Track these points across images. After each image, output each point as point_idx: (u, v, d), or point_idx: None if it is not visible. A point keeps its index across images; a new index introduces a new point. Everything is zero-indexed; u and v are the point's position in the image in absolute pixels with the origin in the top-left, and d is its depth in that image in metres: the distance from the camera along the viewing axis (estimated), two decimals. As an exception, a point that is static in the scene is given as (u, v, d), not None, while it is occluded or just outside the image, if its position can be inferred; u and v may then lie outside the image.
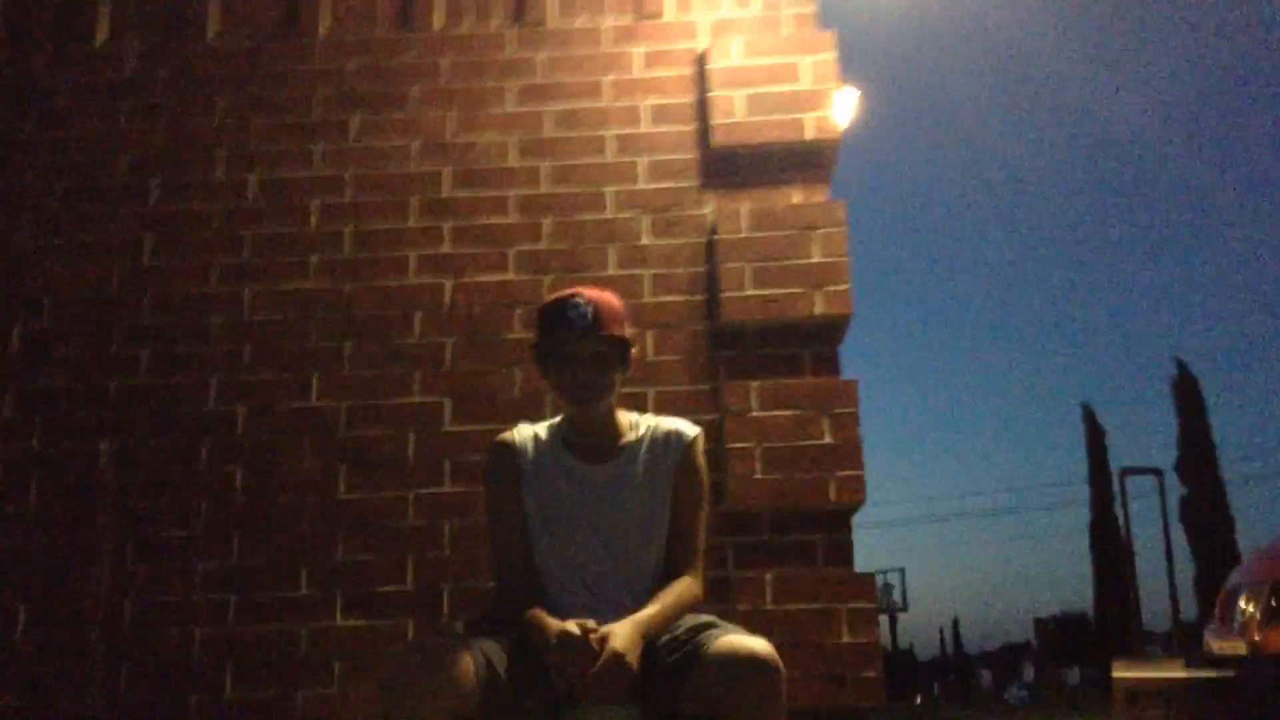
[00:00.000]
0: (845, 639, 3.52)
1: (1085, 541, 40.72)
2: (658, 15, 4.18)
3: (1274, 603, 5.99)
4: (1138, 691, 4.73)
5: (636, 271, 3.91)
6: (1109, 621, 36.87)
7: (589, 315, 2.35)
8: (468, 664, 2.06)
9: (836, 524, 3.65)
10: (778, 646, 2.12)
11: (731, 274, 3.82)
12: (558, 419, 2.57)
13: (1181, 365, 37.89)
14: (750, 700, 2.02)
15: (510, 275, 3.95)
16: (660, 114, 4.08)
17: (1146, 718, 4.61)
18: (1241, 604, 6.30)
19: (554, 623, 2.17)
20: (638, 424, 2.53)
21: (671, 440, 2.47)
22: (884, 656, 3.67)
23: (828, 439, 3.67)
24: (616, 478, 2.43)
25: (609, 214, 3.99)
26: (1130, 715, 4.74)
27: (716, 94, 4.00)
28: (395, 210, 4.03)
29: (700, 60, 4.09)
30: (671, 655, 2.14)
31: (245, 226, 4.04)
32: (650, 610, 2.22)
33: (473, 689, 2.05)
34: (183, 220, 4.06)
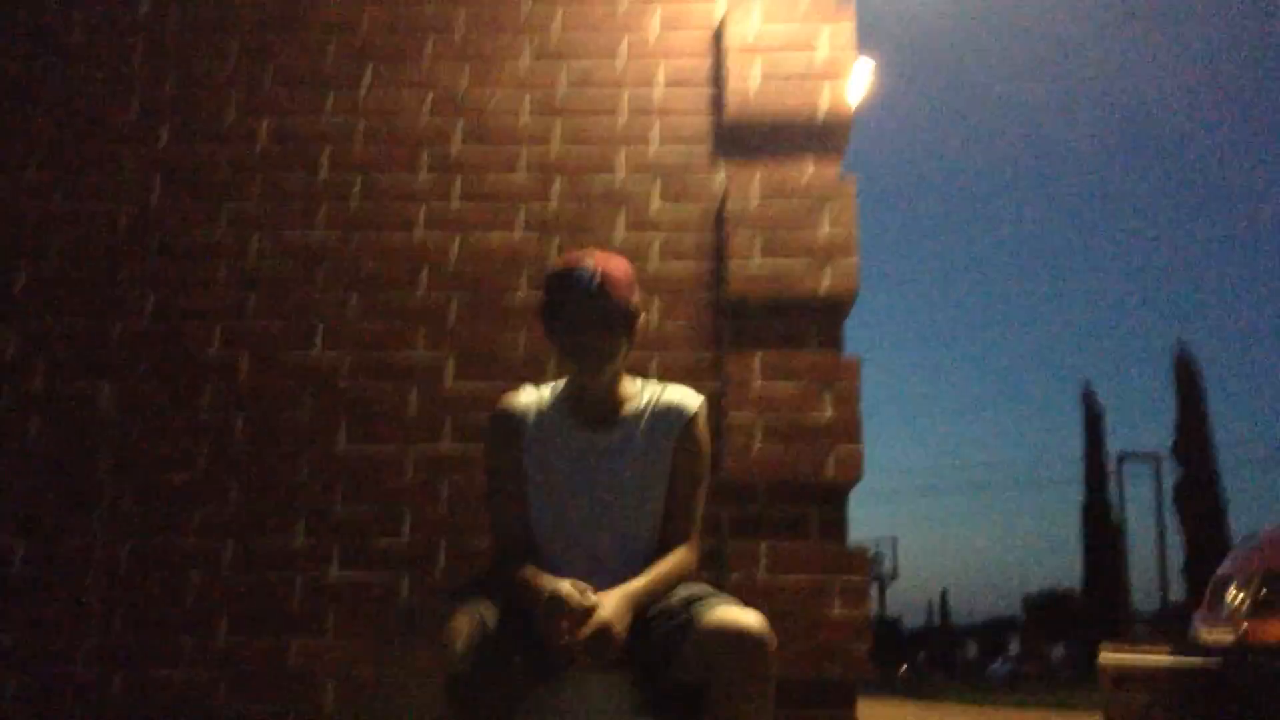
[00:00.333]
0: (836, 613, 3.54)
1: (1077, 520, 40.93)
2: (677, -22, 4.14)
3: (1263, 593, 6.02)
4: (1124, 675, 4.75)
5: (645, 237, 3.90)
6: (1097, 601, 37.13)
7: (597, 280, 2.34)
8: (462, 621, 2.08)
9: (832, 499, 3.67)
10: (769, 618, 2.14)
11: (740, 244, 3.80)
12: (562, 382, 2.56)
13: (1184, 347, 37.93)
14: (741, 672, 2.04)
15: (518, 235, 3.93)
16: (675, 78, 4.04)
17: (1132, 703, 4.63)
18: (1231, 593, 6.33)
19: (547, 582, 2.18)
20: (641, 392, 2.52)
21: (674, 411, 2.47)
22: (872, 627, 3.70)
23: (828, 414, 3.68)
24: (617, 445, 2.43)
25: (620, 178, 3.97)
26: (1116, 699, 4.76)
27: (732, 60, 3.96)
28: (405, 165, 4.00)
29: (718, 25, 4.05)
30: (664, 625, 2.15)
31: (254, 174, 4.01)
32: (642, 580, 2.23)
33: (465, 646, 2.06)
34: (191, 166, 4.04)
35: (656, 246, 3.89)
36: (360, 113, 4.06)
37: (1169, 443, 35.79)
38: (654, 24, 4.10)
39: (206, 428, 3.80)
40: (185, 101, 4.10)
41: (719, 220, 3.88)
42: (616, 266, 2.41)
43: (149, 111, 4.09)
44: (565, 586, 2.14)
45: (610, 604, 2.13)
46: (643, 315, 2.51)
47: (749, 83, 3.94)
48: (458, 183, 3.98)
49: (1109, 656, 4.95)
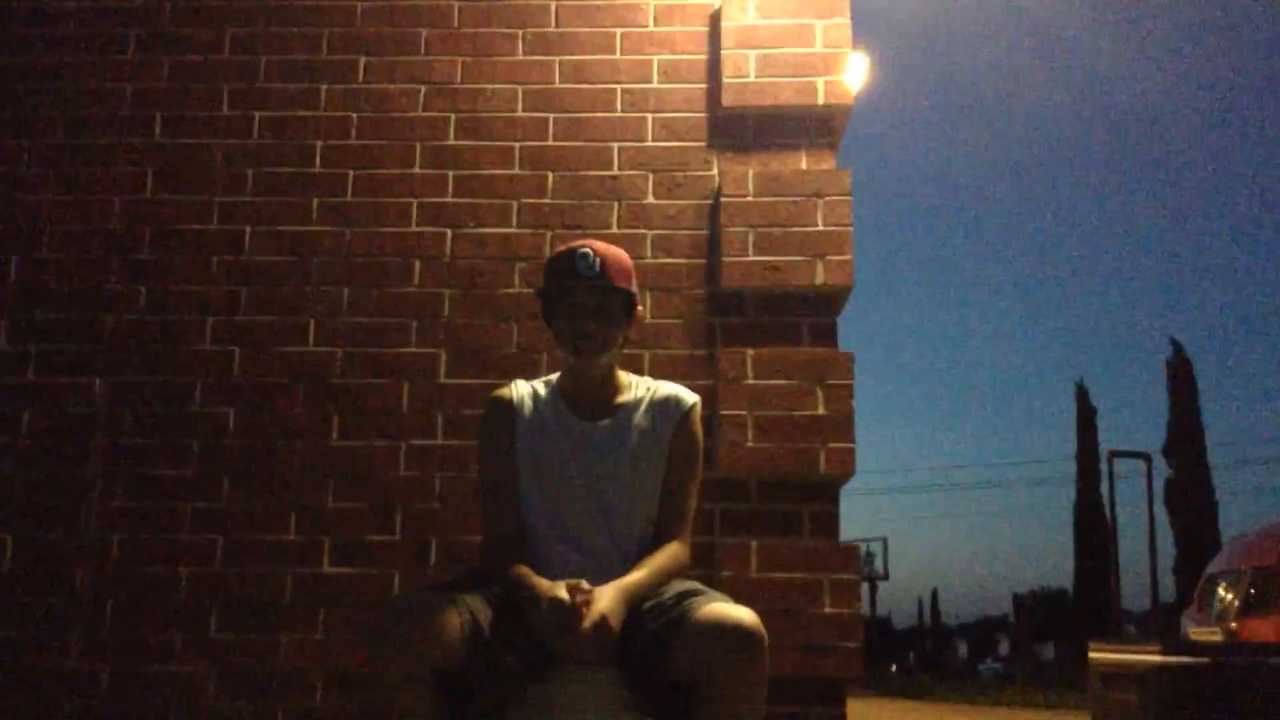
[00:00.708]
0: (827, 609, 3.54)
1: (1068, 519, 40.99)
2: (672, -29, 4.13)
3: (1252, 592, 6.04)
4: (1113, 674, 4.76)
5: (638, 231, 3.89)
6: (1088, 600, 37.21)
7: (597, 266, 2.35)
8: (453, 618, 2.07)
9: (824, 495, 3.66)
10: (760, 615, 2.13)
11: (734, 238, 3.80)
12: (555, 376, 2.56)
13: (1177, 346, 37.98)
14: (733, 669, 2.03)
15: (512, 229, 3.92)
16: (671, 71, 4.04)
17: (1121, 702, 4.64)
18: (1220, 592, 6.36)
19: (543, 584, 2.17)
20: (636, 385, 2.52)
21: (670, 405, 2.47)
22: (863, 624, 3.70)
23: (821, 410, 3.67)
24: (612, 436, 2.43)
25: (614, 171, 3.96)
26: (1105, 699, 4.77)
27: (728, 53, 3.95)
28: (400, 156, 3.99)
29: (713, 18, 4.04)
30: (656, 621, 2.15)
31: (248, 165, 4.00)
32: (636, 575, 2.23)
33: (457, 643, 2.05)
34: (185, 156, 4.02)
35: (650, 241, 3.89)
36: (355, 103, 4.05)
37: (1161, 442, 35.90)
38: (649, 18, 4.09)
39: (198, 421, 3.79)
40: (179, 92, 4.08)
41: (713, 214, 3.87)
42: (616, 253, 2.42)
43: (142, 102, 4.07)
44: (562, 590, 2.13)
45: (606, 598, 2.12)
46: (641, 305, 2.50)
47: (744, 76, 3.93)
48: (451, 176, 3.97)
49: (1098, 656, 4.96)
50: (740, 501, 3.64)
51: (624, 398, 2.48)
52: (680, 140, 3.98)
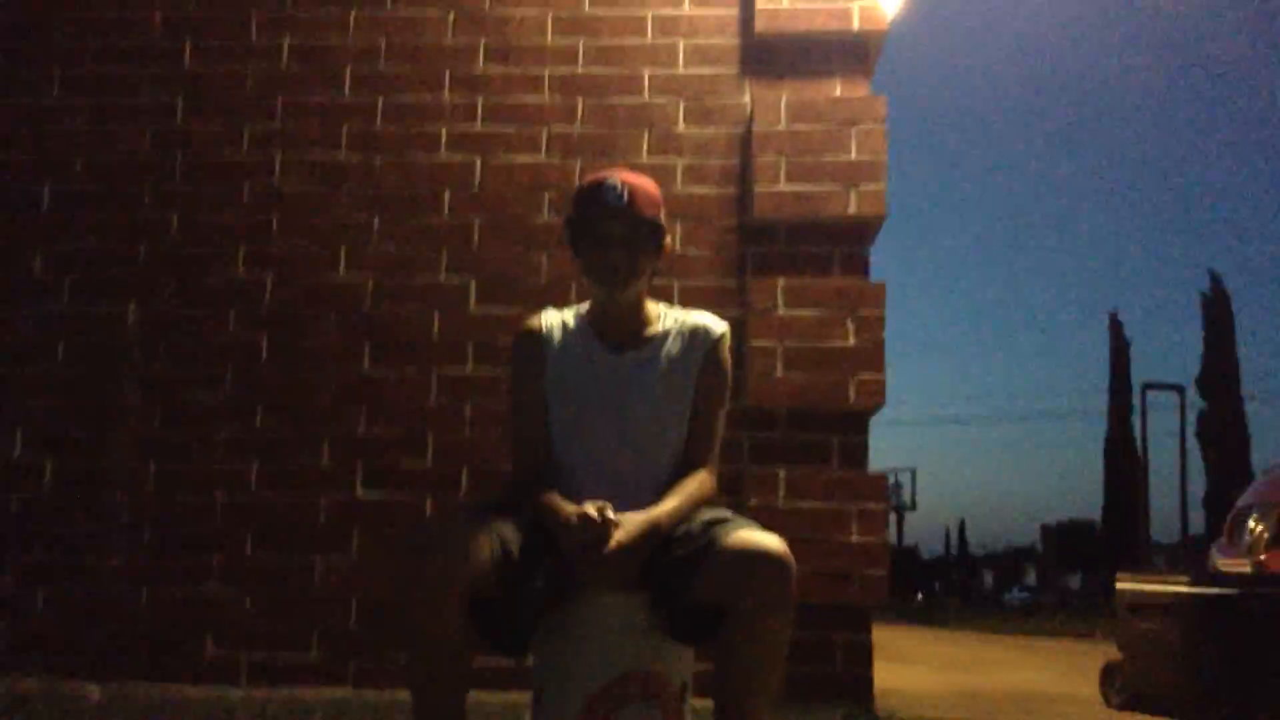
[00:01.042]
0: (854, 538, 3.56)
1: (1098, 452, 40.87)
2: (705, -107, 4.04)
3: (1284, 525, 6.01)
4: (1140, 604, 4.77)
5: (669, 159, 3.86)
6: (1116, 532, 37.22)
7: (624, 196, 2.32)
8: (483, 541, 2.08)
9: (853, 426, 3.66)
10: (788, 543, 2.14)
11: (766, 167, 3.75)
12: (585, 305, 2.55)
13: (1215, 279, 37.46)
14: (760, 594, 2.04)
15: (541, 158, 3.90)
16: (703, -3, 3.96)
17: (1148, 630, 4.66)
18: (1250, 524, 6.34)
19: (570, 506, 2.19)
20: (665, 315, 2.51)
21: (698, 334, 2.46)
22: (890, 553, 3.72)
23: (851, 341, 3.66)
24: (640, 367, 2.42)
25: (645, 98, 3.91)
26: (1131, 628, 4.79)
27: (761, -22, 3.87)
28: (429, 84, 3.96)
29: (747, -57, 3.96)
30: (684, 548, 2.16)
31: (277, 93, 3.98)
32: (665, 505, 2.23)
33: (487, 567, 2.07)
34: (215, 84, 4.01)
35: (680, 169, 3.85)
36: (384, 29, 4.01)
37: (1195, 375, 35.59)
38: (681, -59, 4.01)
39: (231, 350, 3.83)
40: (207, 20, 4.06)
41: (744, 143, 3.83)
42: (644, 183, 2.39)
43: (171, 30, 4.06)
44: (589, 509, 2.15)
45: (632, 523, 2.14)
46: (669, 236, 2.49)
47: (777, 2, 3.85)
48: (481, 103, 3.94)
49: (1125, 585, 4.97)
50: (769, 431, 3.65)
51: (652, 328, 2.47)
52: (712, 66, 3.92)
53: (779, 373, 3.64)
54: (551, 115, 3.92)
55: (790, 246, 3.75)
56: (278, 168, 3.93)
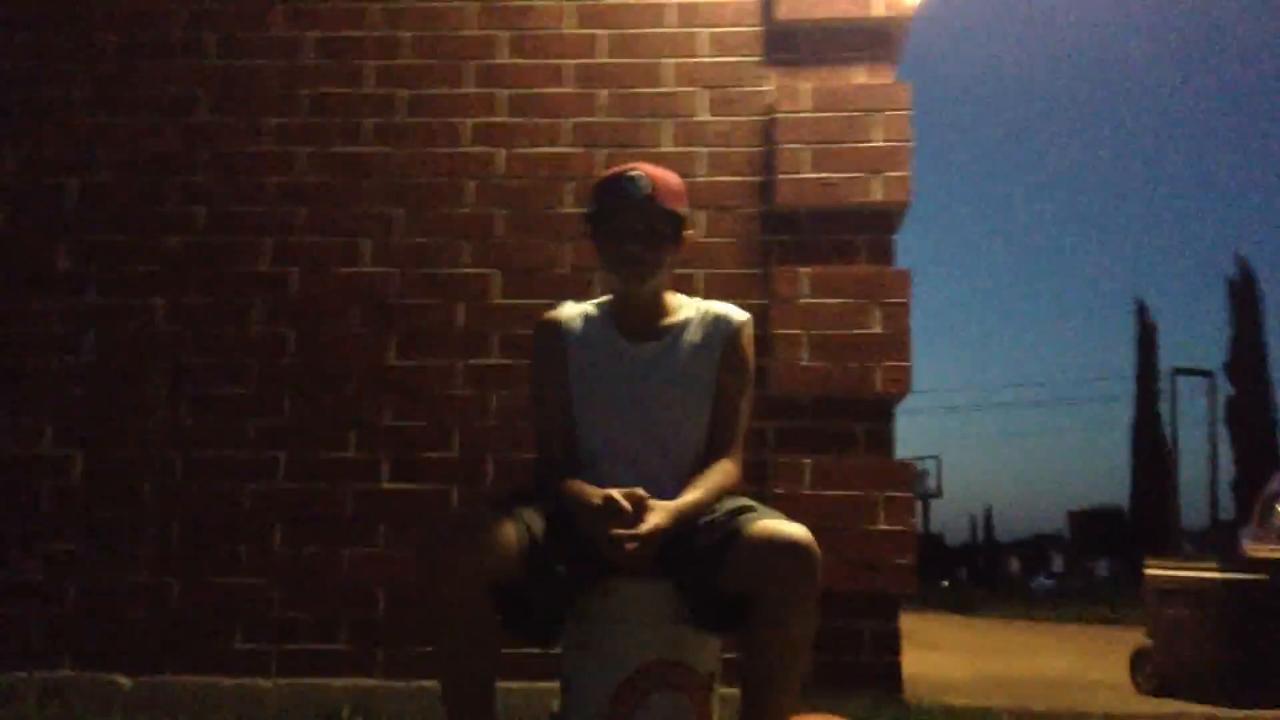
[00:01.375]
0: (881, 526, 3.55)
1: (1124, 438, 40.60)
2: (726, -121, 4.02)
3: (1314, 510, 5.97)
4: (1170, 590, 4.75)
5: (692, 149, 3.85)
6: (1144, 518, 36.97)
7: (645, 189, 2.31)
8: (509, 530, 2.09)
9: (879, 414, 3.65)
10: (813, 531, 2.14)
11: (789, 155, 3.74)
12: (607, 297, 2.55)
13: (1242, 263, 37.11)
14: (786, 583, 2.04)
15: (564, 148, 3.90)
16: (724, -15, 3.95)
17: (1177, 616, 4.64)
18: (1279, 510, 6.29)
19: (596, 490, 2.19)
20: (686, 305, 2.51)
21: (719, 324, 2.45)
22: (917, 541, 3.71)
23: (876, 329, 3.65)
24: (662, 357, 2.43)
25: (667, 88, 3.91)
26: (1160, 614, 4.77)
27: (783, -34, 3.86)
28: (450, 75, 3.97)
29: (768, -70, 3.94)
30: (710, 536, 2.16)
31: (300, 86, 4.00)
32: (690, 496, 2.24)
33: (513, 555, 2.08)
34: (238, 78, 4.03)
35: (704, 159, 3.85)
36: (404, 21, 4.01)
37: (1222, 360, 35.29)
38: (702, -71, 3.99)
39: (258, 341, 3.85)
40: (230, 14, 4.07)
41: (768, 132, 3.82)
42: (666, 176, 2.39)
43: (194, 24, 4.07)
44: (616, 492, 2.15)
45: (658, 511, 2.14)
46: (692, 228, 2.48)
47: (799, -12, 3.83)
48: (503, 95, 3.94)
49: (1154, 571, 4.95)
50: (794, 419, 3.64)
51: (674, 319, 2.47)
52: (733, 55, 3.91)
53: (804, 361, 3.63)
54: (573, 106, 3.92)
55: (814, 234, 3.74)
56: (301, 161, 3.95)
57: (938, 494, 41.48)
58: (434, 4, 4.02)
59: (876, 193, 3.70)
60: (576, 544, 2.17)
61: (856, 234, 3.73)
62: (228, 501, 3.76)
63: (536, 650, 2.19)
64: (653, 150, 3.81)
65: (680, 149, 3.84)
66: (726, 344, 2.47)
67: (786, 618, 2.08)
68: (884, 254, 3.73)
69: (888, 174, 3.71)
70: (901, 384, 3.62)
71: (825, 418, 3.64)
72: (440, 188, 3.91)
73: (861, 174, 3.71)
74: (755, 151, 3.83)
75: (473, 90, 3.95)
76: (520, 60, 3.96)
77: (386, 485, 3.74)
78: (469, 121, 3.93)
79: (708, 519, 2.23)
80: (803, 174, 3.73)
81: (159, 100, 4.02)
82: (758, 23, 3.91)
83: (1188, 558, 6.61)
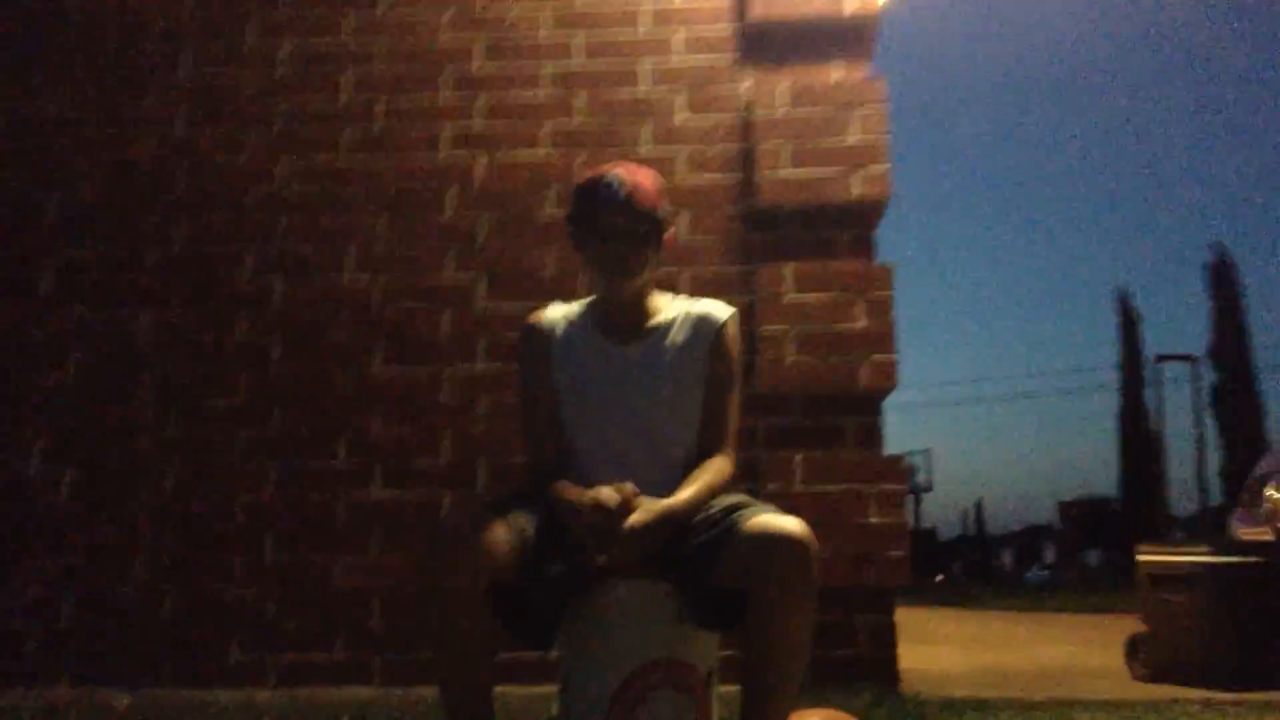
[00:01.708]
0: (873, 519, 3.56)
1: (1112, 427, 40.72)
2: (697, -120, 4.03)
3: (1302, 491, 5.99)
4: (1163, 576, 4.76)
5: (671, 150, 3.86)
6: (1134, 506, 37.11)
7: (624, 191, 2.31)
8: (503, 533, 2.09)
9: (867, 408, 3.66)
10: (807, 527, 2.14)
11: (768, 153, 3.75)
12: (591, 298, 2.55)
13: (1220, 249, 37.35)
14: (782, 578, 2.04)
15: (543, 151, 3.90)
16: (698, -16, 3.96)
17: (1170, 600, 4.65)
18: (1269, 491, 6.31)
19: (584, 492, 2.19)
20: (670, 305, 2.51)
21: (704, 322, 2.45)
22: (909, 533, 3.72)
23: (861, 323, 3.66)
24: (647, 358, 2.42)
25: (643, 90, 3.91)
26: (1154, 598, 4.78)
27: (756, -36, 3.87)
28: (427, 84, 3.97)
29: (739, -72, 3.95)
30: (705, 533, 2.16)
31: (277, 98, 3.99)
32: (682, 494, 2.23)
33: (507, 557, 2.08)
34: (215, 91, 4.02)
35: (683, 158, 3.85)
36: (379, 31, 4.02)
37: (1206, 347, 35.49)
38: (675, -71, 4.00)
39: (244, 352, 3.84)
40: (204, 26, 4.06)
41: (746, 129, 3.83)
42: (645, 176, 2.38)
43: (169, 38, 4.07)
44: (605, 491, 2.14)
45: (647, 510, 2.13)
46: (672, 227, 2.48)
47: (774, -14, 3.85)
48: (481, 99, 3.95)
49: (1147, 556, 4.96)
50: (783, 416, 3.65)
51: (658, 319, 2.46)
52: (709, 55, 3.92)
53: (790, 357, 3.64)
54: (551, 110, 3.92)
55: (796, 231, 3.75)
56: (282, 172, 3.94)
57: (929, 487, 41.54)
58: (408, 14, 4.02)
59: (856, 188, 3.72)
60: (569, 546, 2.17)
61: (838, 229, 3.74)
62: (220, 514, 3.75)
63: (534, 653, 2.18)
64: (632, 150, 3.82)
65: (659, 149, 3.85)
66: (712, 341, 2.47)
67: (784, 614, 2.08)
68: (866, 249, 3.74)
69: (867, 169, 3.72)
70: (888, 378, 3.63)
71: (814, 414, 3.64)
72: (421, 195, 3.90)
73: (840, 170, 3.73)
74: (734, 149, 3.84)
75: (450, 98, 3.95)
76: (496, 66, 3.97)
77: (377, 494, 3.73)
78: (448, 129, 3.93)
79: (702, 516, 2.23)
80: (782, 171, 3.74)
81: (137, 116, 4.01)
82: (731, 23, 3.93)
83: (1179, 543, 6.63)
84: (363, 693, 3.59)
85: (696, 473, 2.33)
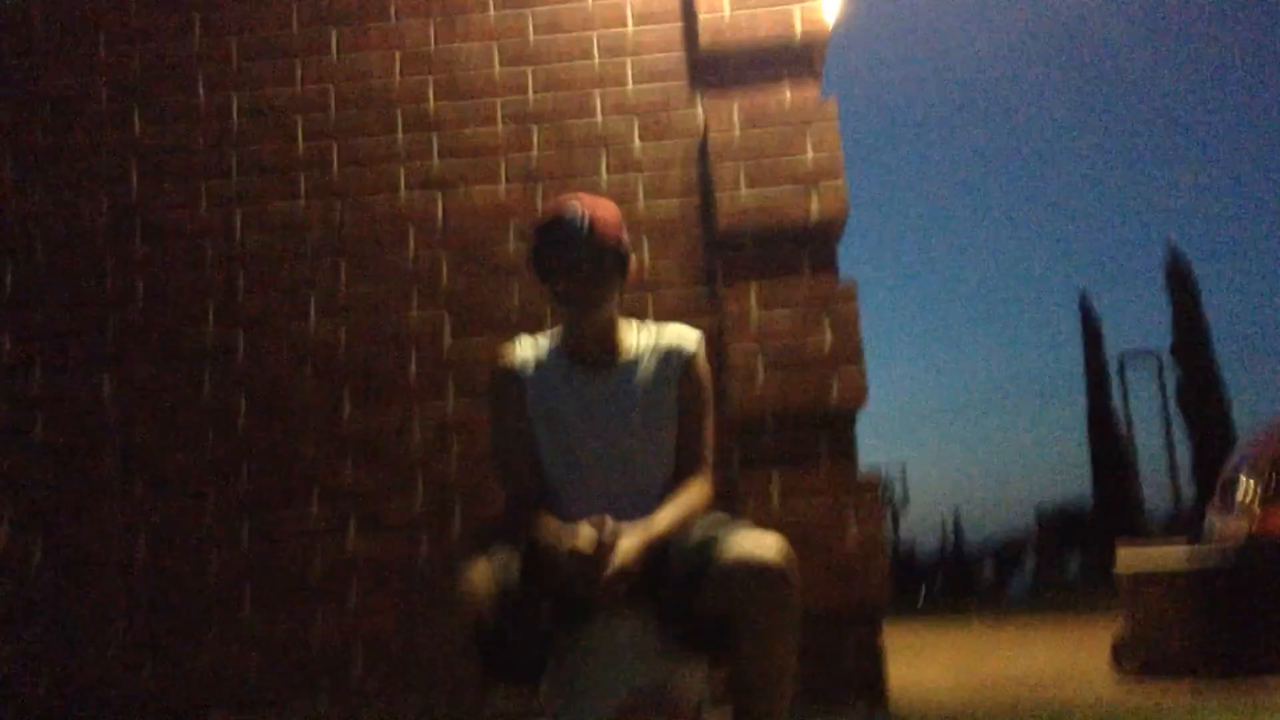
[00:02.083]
0: (852, 535, 3.55)
1: (1083, 431, 41.01)
2: (638, -89, 4.07)
3: (1274, 481, 6.05)
4: (1143, 574, 4.78)
5: (629, 178, 3.87)
6: (1108, 509, 37.36)
7: (584, 225, 2.32)
8: (483, 572, 2.07)
9: (839, 424, 3.66)
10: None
11: (725, 175, 3.77)
12: (558, 329, 2.54)
13: (1174, 249, 37.92)
14: (763, 608, 2.03)
15: (501, 188, 3.90)
16: (645, 15, 3.99)
17: (1151, 597, 4.67)
18: (1242, 484, 6.37)
19: (565, 536, 2.17)
20: (639, 333, 2.50)
21: (674, 352, 2.45)
22: (888, 547, 3.72)
23: (828, 340, 3.67)
24: (619, 388, 2.42)
25: (598, 120, 3.92)
26: (1135, 596, 4.80)
27: (702, -9, 3.90)
28: (382, 126, 3.96)
29: (684, -43, 3.98)
30: (685, 564, 2.15)
31: (230, 151, 3.97)
32: (660, 517, 2.22)
33: (489, 597, 2.06)
34: (167, 148, 3.99)
35: (641, 186, 3.86)
36: (331, 78, 4.01)
37: (1168, 344, 35.88)
38: (619, -38, 4.03)
39: (210, 410, 3.79)
40: (154, 83, 4.04)
41: (702, 154, 3.84)
42: (603, 208, 2.39)
43: (118, 96, 4.04)
44: (584, 532, 2.13)
45: (628, 545, 2.12)
46: (633, 256, 2.48)
47: (720, 12, 3.88)
48: (435, 140, 3.94)
49: (1127, 556, 4.99)
50: (757, 437, 3.64)
51: (627, 347, 2.46)
52: (661, 82, 3.94)
53: (760, 377, 3.64)
54: (507, 146, 3.93)
55: (758, 251, 3.76)
56: (239, 225, 3.91)
57: (906, 501, 41.64)
58: (358, 58, 4.02)
59: (814, 206, 3.74)
60: (554, 584, 2.15)
61: (799, 248, 3.75)
62: (193, 575, 3.69)
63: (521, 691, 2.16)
64: (590, 181, 3.82)
65: (617, 178, 3.86)
66: (683, 370, 2.47)
67: (767, 641, 2.07)
68: (828, 266, 3.75)
69: (823, 186, 3.74)
70: (858, 394, 3.63)
71: (788, 432, 3.64)
72: (382, 238, 3.89)
73: (798, 188, 3.75)
74: (691, 175, 3.86)
75: (406, 139, 3.95)
76: (450, 104, 3.96)
77: (353, 545, 3.68)
78: (405, 170, 3.93)
79: (683, 545, 2.21)
80: (740, 192, 3.75)
81: (89, 176, 3.98)
82: (682, 50, 3.95)
83: (1157, 538, 6.67)
84: (350, 746, 3.53)
85: (675, 495, 2.32)
